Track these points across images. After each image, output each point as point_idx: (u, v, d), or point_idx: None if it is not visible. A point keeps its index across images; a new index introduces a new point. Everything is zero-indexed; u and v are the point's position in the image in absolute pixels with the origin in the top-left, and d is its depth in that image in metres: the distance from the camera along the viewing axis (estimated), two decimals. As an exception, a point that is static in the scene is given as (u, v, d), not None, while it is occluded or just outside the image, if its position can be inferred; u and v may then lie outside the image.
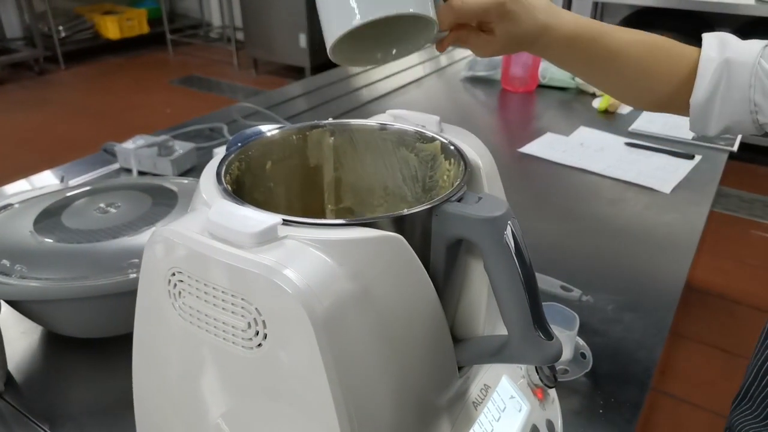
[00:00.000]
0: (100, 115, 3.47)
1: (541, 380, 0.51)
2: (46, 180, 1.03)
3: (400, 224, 0.37)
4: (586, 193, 1.04)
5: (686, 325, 1.80)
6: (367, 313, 0.35)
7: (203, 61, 4.46)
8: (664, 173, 1.07)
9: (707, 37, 0.58)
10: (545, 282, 0.74)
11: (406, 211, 0.37)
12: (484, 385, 0.47)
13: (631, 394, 0.61)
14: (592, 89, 1.45)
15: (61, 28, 4.19)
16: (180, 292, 0.36)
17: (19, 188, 0.95)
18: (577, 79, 1.48)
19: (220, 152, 0.46)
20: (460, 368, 0.44)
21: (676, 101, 0.60)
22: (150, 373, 0.43)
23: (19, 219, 0.68)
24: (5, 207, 0.73)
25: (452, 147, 0.45)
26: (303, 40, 3.69)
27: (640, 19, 2.91)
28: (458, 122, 0.50)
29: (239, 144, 0.45)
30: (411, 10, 0.44)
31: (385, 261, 0.36)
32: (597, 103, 1.39)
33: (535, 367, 0.51)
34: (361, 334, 0.35)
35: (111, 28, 4.34)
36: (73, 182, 0.98)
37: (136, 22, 4.47)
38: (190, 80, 4.07)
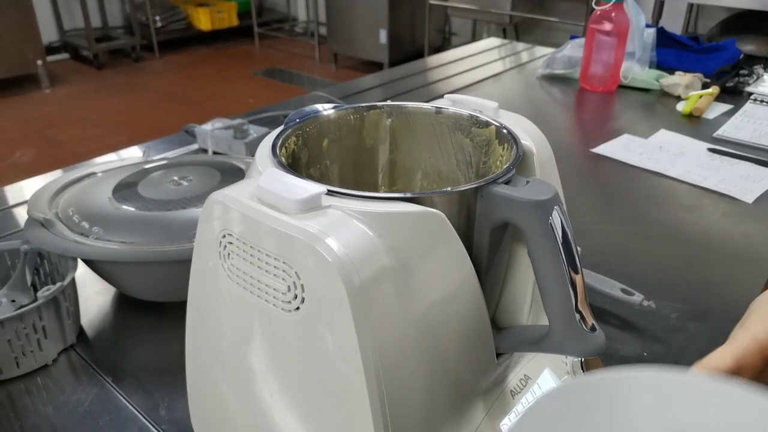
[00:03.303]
0: (186, 102, 3.65)
1: (587, 378, 0.49)
2: (132, 155, 1.10)
3: (443, 202, 0.37)
4: (660, 197, 0.99)
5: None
6: (403, 288, 0.35)
7: (286, 54, 4.60)
8: (748, 182, 1.00)
9: None
10: (605, 284, 0.71)
11: (450, 189, 0.37)
12: (525, 375, 0.46)
13: (687, 405, 0.58)
14: (677, 92, 1.38)
15: (157, 18, 4.45)
16: (229, 254, 0.38)
17: (106, 159, 1.02)
18: (662, 81, 1.42)
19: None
20: (499, 355, 0.43)
21: None
22: (201, 335, 0.45)
23: (101, 186, 0.73)
24: (90, 175, 0.78)
25: (505, 131, 0.45)
26: (383, 35, 3.72)
27: (738, 22, 2.73)
28: (531, 119, 0.49)
29: (297, 120, 0.47)
30: None
31: (424, 237, 0.36)
32: (681, 107, 1.33)
33: (581, 364, 0.49)
34: (396, 308, 0.35)
35: (203, 20, 4.56)
36: (153, 158, 1.03)
37: (227, 15, 4.67)
38: (273, 72, 4.20)
